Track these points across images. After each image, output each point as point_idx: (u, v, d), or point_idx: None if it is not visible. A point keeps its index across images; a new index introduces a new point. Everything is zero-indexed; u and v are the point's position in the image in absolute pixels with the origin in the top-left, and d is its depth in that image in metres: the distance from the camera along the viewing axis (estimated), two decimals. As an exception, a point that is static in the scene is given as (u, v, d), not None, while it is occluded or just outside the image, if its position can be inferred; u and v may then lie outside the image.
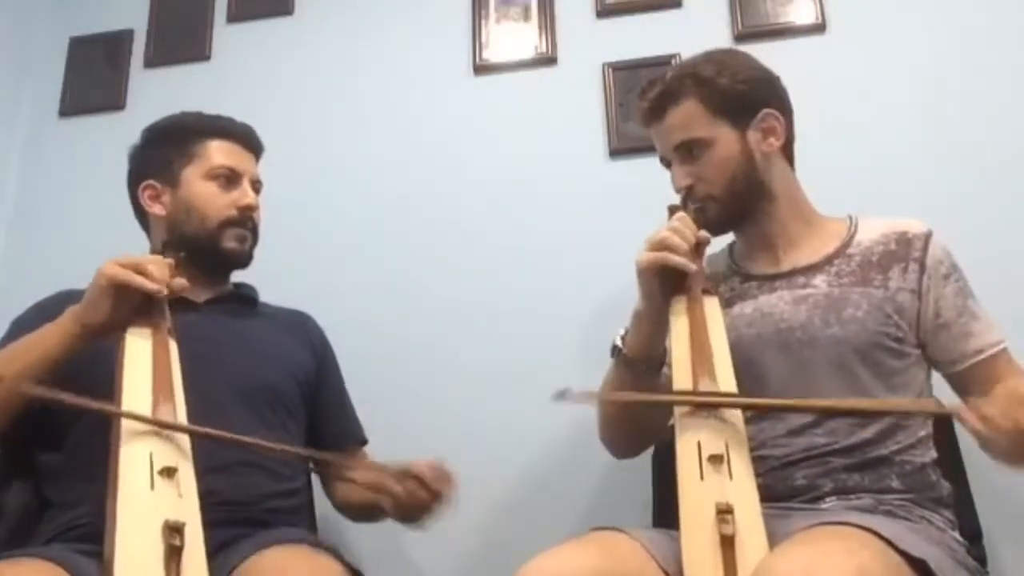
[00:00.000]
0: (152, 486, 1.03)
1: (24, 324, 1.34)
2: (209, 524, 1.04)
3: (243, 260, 1.48)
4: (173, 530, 0.97)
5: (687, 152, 1.34)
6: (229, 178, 1.45)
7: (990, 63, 1.79)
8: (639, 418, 1.35)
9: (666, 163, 1.39)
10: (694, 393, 1.14)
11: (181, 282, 1.26)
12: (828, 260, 1.33)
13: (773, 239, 1.37)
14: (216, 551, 1.11)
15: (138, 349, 1.18)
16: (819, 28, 1.89)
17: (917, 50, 1.84)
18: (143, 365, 1.16)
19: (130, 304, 1.20)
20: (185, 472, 1.07)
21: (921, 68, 1.82)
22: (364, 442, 1.56)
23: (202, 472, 1.09)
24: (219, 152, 1.46)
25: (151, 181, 1.46)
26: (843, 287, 1.29)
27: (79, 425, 1.27)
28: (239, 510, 1.25)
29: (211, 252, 1.42)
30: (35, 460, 1.32)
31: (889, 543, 1.01)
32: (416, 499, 1.27)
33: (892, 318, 1.26)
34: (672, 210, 1.34)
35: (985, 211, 1.69)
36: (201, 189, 1.43)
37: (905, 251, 1.30)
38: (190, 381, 1.18)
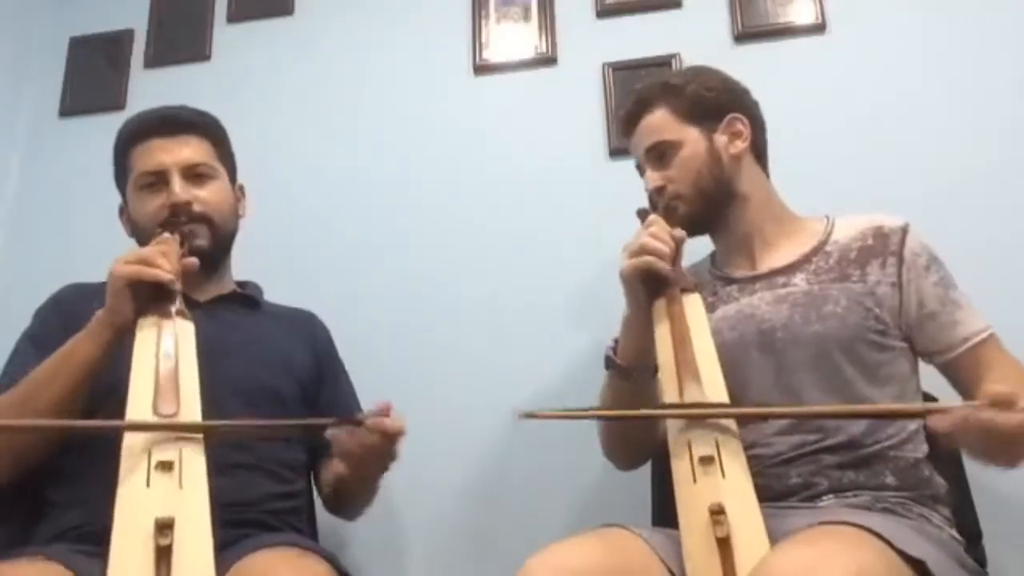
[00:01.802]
0: (148, 483, 1.03)
1: (46, 315, 1.38)
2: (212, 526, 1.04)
3: (198, 255, 1.35)
4: (162, 527, 0.97)
5: (658, 156, 1.41)
6: (154, 183, 1.40)
7: (990, 62, 1.79)
8: (637, 429, 1.36)
9: (641, 171, 1.45)
10: (669, 406, 1.16)
11: (192, 260, 1.28)
12: (806, 259, 1.34)
13: (748, 241, 1.40)
14: (217, 551, 1.11)
15: (144, 342, 1.19)
16: (819, 28, 1.89)
17: (917, 50, 1.84)
18: (147, 359, 1.17)
19: (147, 295, 1.22)
20: (189, 462, 1.07)
21: (921, 68, 1.82)
22: None
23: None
24: (140, 159, 1.42)
25: (121, 204, 1.49)
26: (822, 284, 1.30)
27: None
28: (239, 511, 1.25)
29: None
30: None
31: (888, 544, 1.01)
32: (361, 445, 1.22)
33: (872, 311, 1.27)
34: (642, 214, 1.37)
35: (986, 209, 1.69)
36: (136, 204, 1.42)
37: (882, 245, 1.31)
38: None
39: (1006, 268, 1.62)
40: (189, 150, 1.43)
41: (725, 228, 1.42)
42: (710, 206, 1.39)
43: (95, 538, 1.10)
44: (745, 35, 1.91)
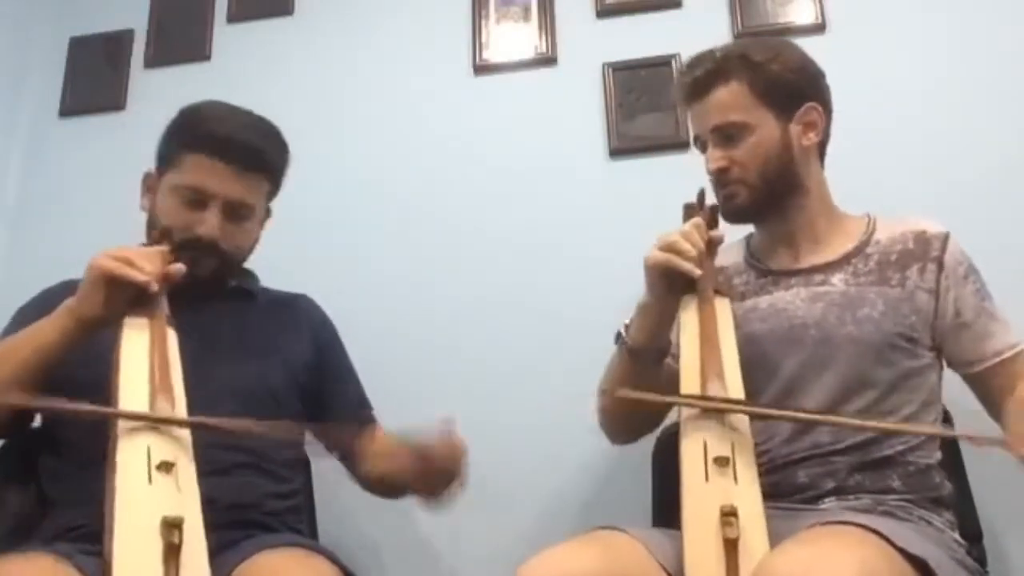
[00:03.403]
0: (150, 481, 1.03)
1: (28, 311, 1.36)
2: (209, 527, 1.04)
3: (196, 281, 1.32)
4: (171, 526, 0.97)
5: (725, 135, 1.32)
6: (194, 200, 1.35)
7: (990, 62, 1.79)
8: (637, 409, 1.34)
9: (701, 144, 1.37)
10: (715, 399, 1.13)
11: (178, 267, 1.24)
12: (846, 258, 1.32)
13: (797, 235, 1.36)
14: (216, 552, 1.11)
15: (135, 341, 1.17)
16: (819, 28, 1.89)
17: (917, 49, 1.84)
18: (140, 358, 1.16)
19: (124, 296, 1.19)
20: (184, 465, 1.07)
21: (921, 67, 1.83)
22: (373, 421, 1.56)
23: (201, 475, 1.09)
24: (193, 169, 1.36)
25: (151, 171, 1.44)
26: (860, 286, 1.28)
27: (80, 424, 1.26)
28: (239, 512, 1.25)
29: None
30: (37, 459, 1.32)
31: (889, 542, 1.01)
32: (430, 476, 1.30)
33: (909, 318, 1.26)
34: (688, 210, 1.33)
35: (987, 208, 1.69)
36: (166, 202, 1.37)
37: (923, 250, 1.29)
38: (186, 377, 1.18)
39: (1008, 268, 1.61)
40: (242, 190, 1.38)
41: (777, 219, 1.36)
42: (772, 196, 1.33)
43: (96, 537, 1.10)
44: (745, 35, 1.90)
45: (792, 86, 1.33)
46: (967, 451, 1.40)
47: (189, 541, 0.98)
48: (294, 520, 1.37)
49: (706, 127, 1.34)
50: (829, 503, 1.19)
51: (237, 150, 1.37)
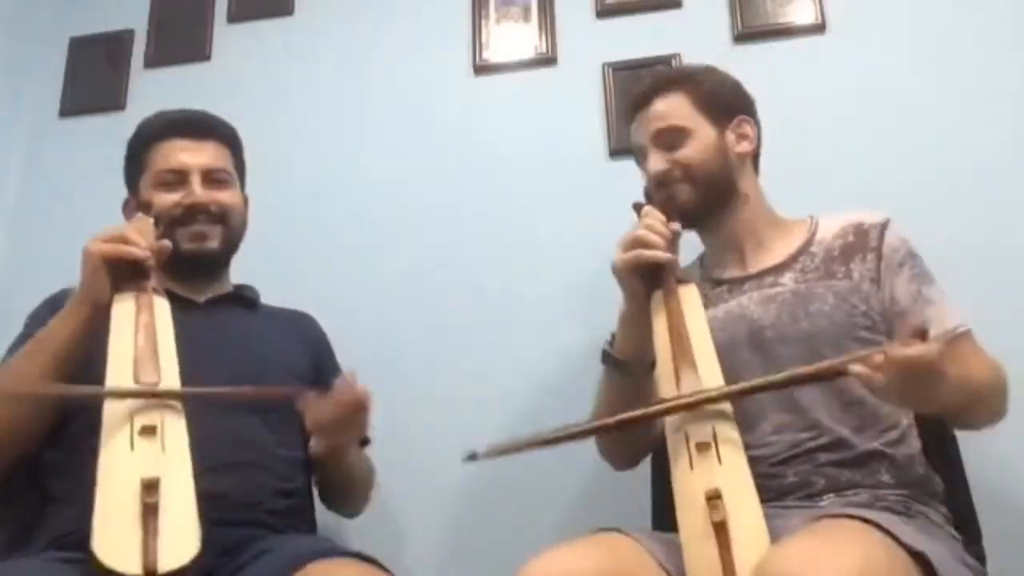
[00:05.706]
0: (132, 447, 1.05)
1: (40, 318, 1.37)
2: (213, 524, 1.04)
3: (208, 256, 1.44)
4: (148, 487, 0.99)
5: (666, 141, 1.39)
6: (173, 182, 1.42)
7: (989, 62, 1.80)
8: (632, 427, 1.35)
9: (641, 156, 1.43)
10: (622, 419, 1.15)
11: (166, 243, 1.30)
12: (793, 258, 1.36)
13: (740, 242, 1.40)
14: (223, 553, 1.11)
15: (122, 315, 1.21)
16: (819, 28, 1.89)
17: (917, 50, 1.84)
18: (126, 330, 1.18)
19: (124, 273, 1.24)
20: (171, 425, 1.09)
21: (921, 68, 1.83)
22: (366, 441, 1.56)
23: (203, 472, 1.09)
24: (161, 155, 1.45)
25: (129, 196, 1.49)
26: (809, 283, 1.31)
27: (80, 420, 1.26)
28: (243, 511, 1.25)
29: (177, 256, 1.36)
30: (39, 455, 1.31)
31: (892, 536, 1.01)
32: (331, 417, 1.29)
33: (859, 308, 1.28)
34: (637, 207, 1.37)
35: (984, 208, 1.69)
36: (151, 198, 1.42)
37: (863, 241, 1.32)
38: (190, 380, 1.18)
39: (1005, 267, 1.62)
40: (211, 154, 1.47)
41: (719, 226, 1.42)
42: (711, 198, 1.39)
43: (84, 544, 1.09)
44: (745, 35, 1.91)
45: (727, 99, 1.43)
46: (965, 448, 1.40)
47: (170, 498, 1.00)
48: (296, 520, 1.37)
49: (648, 133, 1.41)
50: (828, 499, 1.20)
51: (191, 124, 1.48)
